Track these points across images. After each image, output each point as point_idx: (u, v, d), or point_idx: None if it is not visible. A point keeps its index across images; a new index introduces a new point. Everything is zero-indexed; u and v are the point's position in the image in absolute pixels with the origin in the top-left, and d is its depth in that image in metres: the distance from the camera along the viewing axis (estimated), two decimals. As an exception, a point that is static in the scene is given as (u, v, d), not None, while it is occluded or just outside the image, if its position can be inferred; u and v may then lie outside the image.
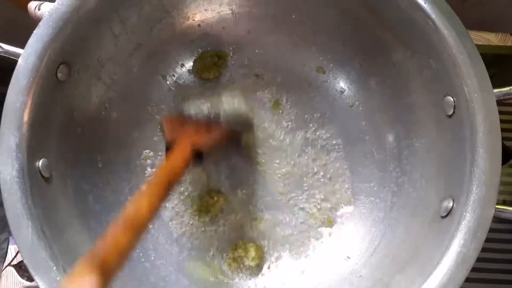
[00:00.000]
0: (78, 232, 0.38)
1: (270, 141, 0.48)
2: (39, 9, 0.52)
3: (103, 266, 0.24)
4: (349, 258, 0.44)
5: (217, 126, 0.42)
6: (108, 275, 0.25)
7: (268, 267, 0.45)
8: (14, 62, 0.35)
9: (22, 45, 0.36)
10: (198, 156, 0.39)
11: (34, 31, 0.35)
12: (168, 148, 0.39)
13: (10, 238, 0.50)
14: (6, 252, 0.50)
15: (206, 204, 0.46)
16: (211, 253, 0.45)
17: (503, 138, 0.35)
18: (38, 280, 0.32)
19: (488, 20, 0.59)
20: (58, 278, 0.32)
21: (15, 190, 0.33)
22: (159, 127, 0.47)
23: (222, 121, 0.42)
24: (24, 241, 0.32)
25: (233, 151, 0.47)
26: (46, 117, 0.37)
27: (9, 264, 0.49)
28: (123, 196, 0.45)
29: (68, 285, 0.23)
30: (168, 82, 0.48)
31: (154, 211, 0.31)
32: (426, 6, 0.37)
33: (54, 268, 0.32)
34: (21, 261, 0.49)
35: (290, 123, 0.49)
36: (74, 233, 0.37)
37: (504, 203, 0.34)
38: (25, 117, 0.34)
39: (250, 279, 0.45)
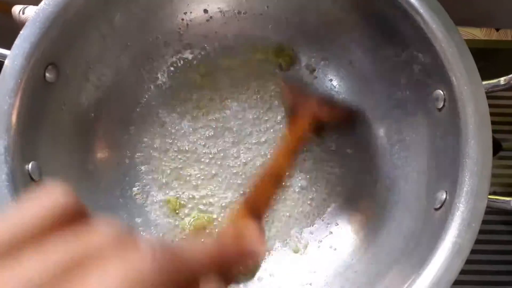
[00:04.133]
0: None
1: (256, 134, 0.48)
2: (23, 13, 0.52)
3: (256, 211, 0.32)
4: (342, 252, 0.44)
5: (335, 104, 0.45)
6: (260, 217, 0.32)
7: (262, 266, 0.45)
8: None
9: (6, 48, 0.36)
10: (318, 127, 0.43)
11: (20, 32, 0.35)
12: (291, 115, 0.43)
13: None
14: None
15: None
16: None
17: (492, 131, 0.35)
18: None
19: (472, 16, 0.60)
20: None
21: (5, 195, 0.32)
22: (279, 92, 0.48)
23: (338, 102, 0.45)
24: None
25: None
26: (35, 120, 0.36)
27: None
28: (114, 199, 0.44)
29: (233, 225, 0.31)
30: (157, 82, 0.48)
31: (287, 169, 0.38)
32: (414, 1, 0.37)
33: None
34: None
35: (279, 119, 0.48)
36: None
37: (494, 193, 0.34)
38: (13, 120, 0.34)
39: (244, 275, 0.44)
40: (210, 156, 0.47)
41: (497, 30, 0.58)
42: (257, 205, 0.32)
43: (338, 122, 0.46)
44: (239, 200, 0.33)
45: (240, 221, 0.30)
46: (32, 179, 0.35)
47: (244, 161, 0.47)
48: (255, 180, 0.38)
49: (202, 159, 0.47)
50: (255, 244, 0.22)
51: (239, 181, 0.46)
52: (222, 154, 0.47)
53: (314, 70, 0.49)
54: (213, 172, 0.47)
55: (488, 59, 0.56)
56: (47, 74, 0.36)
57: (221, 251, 0.19)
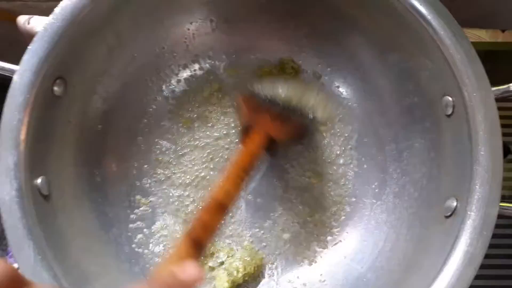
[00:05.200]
0: (79, 249, 0.37)
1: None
2: (28, 23, 0.52)
3: (197, 243, 0.30)
4: (352, 261, 0.44)
5: (292, 119, 0.41)
6: (201, 249, 0.31)
7: (270, 275, 0.45)
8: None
9: (12, 60, 0.36)
10: (271, 146, 0.40)
11: (28, 47, 0.35)
12: (245, 131, 0.40)
13: (7, 258, 0.49)
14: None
15: None
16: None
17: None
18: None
19: (478, 17, 0.60)
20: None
21: (15, 210, 0.32)
22: (234, 106, 0.46)
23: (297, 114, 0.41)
24: (26, 262, 0.32)
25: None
26: (44, 134, 0.36)
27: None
28: (123, 211, 0.44)
29: (172, 260, 0.29)
30: (164, 93, 0.48)
31: (236, 195, 0.36)
32: (421, 7, 0.37)
33: (59, 289, 0.31)
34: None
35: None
36: (75, 250, 0.37)
37: (503, 198, 0.34)
38: (22, 135, 0.34)
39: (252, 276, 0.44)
40: (217, 165, 0.47)
41: (503, 31, 0.57)
42: (200, 235, 0.31)
43: (292, 138, 0.44)
44: (184, 231, 0.32)
45: (178, 257, 0.29)
46: (41, 194, 0.35)
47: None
48: (200, 208, 0.35)
49: (210, 169, 0.47)
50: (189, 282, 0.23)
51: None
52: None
53: (320, 76, 0.49)
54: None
55: (494, 61, 0.55)
56: (55, 88, 0.36)
57: None
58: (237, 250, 0.45)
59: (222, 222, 0.34)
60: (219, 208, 0.34)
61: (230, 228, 0.46)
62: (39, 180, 0.35)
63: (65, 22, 0.36)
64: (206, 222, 0.32)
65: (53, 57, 0.35)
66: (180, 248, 0.30)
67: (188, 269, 0.23)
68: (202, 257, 0.33)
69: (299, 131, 0.44)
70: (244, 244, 0.45)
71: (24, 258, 0.32)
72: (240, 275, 0.43)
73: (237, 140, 0.47)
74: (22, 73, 0.34)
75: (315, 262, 0.45)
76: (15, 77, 0.34)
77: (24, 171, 0.33)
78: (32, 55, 0.35)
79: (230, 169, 0.37)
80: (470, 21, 0.57)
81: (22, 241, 0.32)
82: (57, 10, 0.36)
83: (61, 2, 0.36)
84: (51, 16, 0.35)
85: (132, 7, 0.40)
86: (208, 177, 0.47)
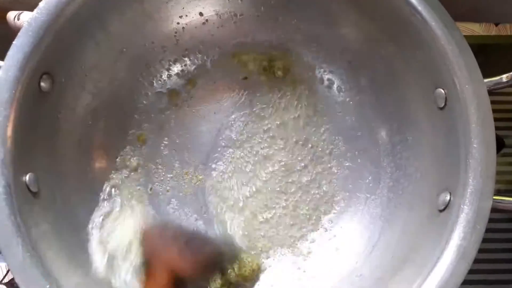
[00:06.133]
0: (70, 246, 0.37)
1: (255, 139, 0.48)
2: (18, 19, 0.51)
3: None
4: (346, 256, 0.44)
5: (202, 247, 0.40)
6: None
7: (265, 270, 0.45)
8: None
9: (3, 57, 0.35)
10: (180, 284, 0.38)
11: (13, 42, 0.34)
12: (146, 269, 0.38)
13: (0, 255, 0.49)
14: (-4, 270, 0.48)
15: None
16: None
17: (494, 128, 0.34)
18: (32, 299, 0.31)
19: (471, 10, 0.60)
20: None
21: (3, 208, 0.32)
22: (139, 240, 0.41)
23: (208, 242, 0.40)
24: (14, 259, 0.31)
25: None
26: (31, 130, 0.35)
27: (0, 282, 0.48)
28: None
29: None
30: (154, 88, 0.47)
31: None
32: (412, -1, 0.37)
33: (48, 286, 0.31)
34: (13, 279, 0.47)
35: (278, 122, 0.48)
36: (65, 247, 0.36)
37: (498, 192, 0.34)
38: (9, 132, 0.33)
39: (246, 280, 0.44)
40: (209, 159, 0.47)
41: (496, 24, 0.57)
42: None
43: (202, 271, 0.41)
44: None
45: None
46: (30, 191, 0.34)
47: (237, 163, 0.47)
48: None
49: (202, 163, 0.47)
50: None
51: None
52: (221, 159, 0.47)
53: (313, 69, 0.48)
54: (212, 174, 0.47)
55: (487, 55, 0.55)
56: (42, 84, 0.36)
57: None
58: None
59: None
60: None
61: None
62: (27, 177, 0.34)
63: (50, 17, 0.35)
64: None
65: (38, 52, 0.35)
66: None
67: None
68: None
69: (213, 263, 0.41)
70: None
71: (12, 255, 0.31)
72: (233, 274, 0.42)
73: (229, 136, 0.47)
74: (7, 68, 0.33)
75: (309, 257, 0.45)
76: (0, 73, 0.34)
77: (11, 168, 0.33)
78: (16, 50, 0.34)
79: None
80: (463, 14, 0.57)
81: (11, 238, 0.31)
82: (41, 4, 0.35)
83: (46, -4, 0.35)
84: (35, 10, 0.35)
85: (119, 1, 0.40)
86: (197, 173, 0.47)
